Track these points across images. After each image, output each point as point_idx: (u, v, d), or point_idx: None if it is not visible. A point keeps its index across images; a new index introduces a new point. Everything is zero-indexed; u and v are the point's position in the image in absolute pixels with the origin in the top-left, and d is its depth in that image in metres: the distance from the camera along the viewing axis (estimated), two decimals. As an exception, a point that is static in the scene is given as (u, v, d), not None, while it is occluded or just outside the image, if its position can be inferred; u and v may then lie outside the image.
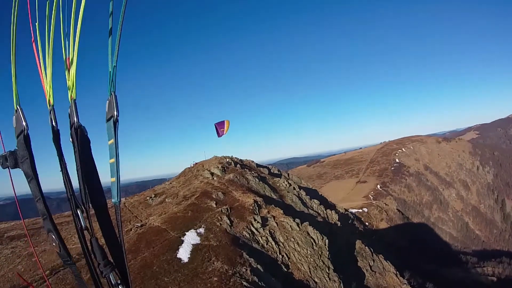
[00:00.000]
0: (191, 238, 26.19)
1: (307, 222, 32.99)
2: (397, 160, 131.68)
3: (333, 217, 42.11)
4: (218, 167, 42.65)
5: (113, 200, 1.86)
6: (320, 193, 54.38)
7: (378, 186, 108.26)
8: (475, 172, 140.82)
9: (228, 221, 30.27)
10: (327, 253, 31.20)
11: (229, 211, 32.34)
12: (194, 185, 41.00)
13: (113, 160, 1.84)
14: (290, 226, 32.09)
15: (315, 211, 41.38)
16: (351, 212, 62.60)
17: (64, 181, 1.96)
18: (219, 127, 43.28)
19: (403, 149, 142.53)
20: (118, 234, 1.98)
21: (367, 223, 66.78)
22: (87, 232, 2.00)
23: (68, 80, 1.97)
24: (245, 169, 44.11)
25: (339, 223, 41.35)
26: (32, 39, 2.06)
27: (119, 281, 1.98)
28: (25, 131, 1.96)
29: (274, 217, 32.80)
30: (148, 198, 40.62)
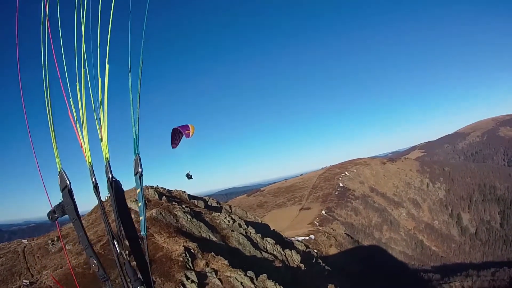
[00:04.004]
0: (92, 311, 17.67)
1: (265, 275, 23.01)
2: (341, 184, 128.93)
3: (294, 258, 32.49)
4: (137, 200, 31.25)
5: (142, 232, 2.62)
6: (272, 228, 44.52)
7: (323, 212, 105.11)
8: (425, 190, 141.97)
9: (147, 283, 19.80)
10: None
11: (148, 266, 21.53)
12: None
13: (140, 204, 2.63)
14: (241, 283, 21.93)
15: (270, 253, 31.43)
16: (301, 242, 54.51)
17: (104, 220, 2.63)
18: (183, 130, 29.42)
19: (346, 172, 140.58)
20: (146, 258, 2.56)
21: (316, 250, 61.15)
22: (122, 257, 2.58)
23: (102, 144, 2.58)
24: (173, 203, 33.01)
25: (302, 266, 31.85)
26: (70, 114, 2.64)
27: None
28: (69, 186, 2.53)
29: (216, 271, 22.45)
30: (49, 242, 32.00)
